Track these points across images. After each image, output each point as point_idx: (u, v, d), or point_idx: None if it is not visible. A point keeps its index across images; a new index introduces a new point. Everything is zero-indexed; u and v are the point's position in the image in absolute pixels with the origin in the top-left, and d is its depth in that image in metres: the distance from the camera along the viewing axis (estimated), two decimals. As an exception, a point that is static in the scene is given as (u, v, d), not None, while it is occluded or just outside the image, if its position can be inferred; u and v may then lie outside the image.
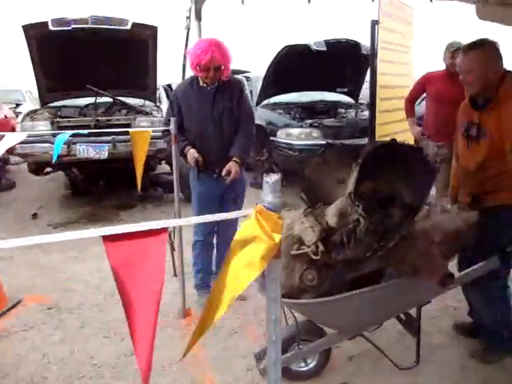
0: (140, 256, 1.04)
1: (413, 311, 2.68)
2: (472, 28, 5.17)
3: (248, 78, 7.91)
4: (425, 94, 5.00)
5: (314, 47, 6.05)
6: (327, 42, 6.11)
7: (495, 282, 2.58)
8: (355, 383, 2.61)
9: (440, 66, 4.62)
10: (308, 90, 7.26)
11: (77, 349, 3.00)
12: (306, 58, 6.16)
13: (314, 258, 2.38)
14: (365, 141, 6.71)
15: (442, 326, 3.06)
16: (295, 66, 6.27)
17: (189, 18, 3.45)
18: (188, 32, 3.53)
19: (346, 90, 7.58)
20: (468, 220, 2.57)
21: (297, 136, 6.22)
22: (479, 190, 2.58)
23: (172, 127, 3.03)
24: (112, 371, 2.78)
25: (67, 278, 4.03)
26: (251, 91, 7.60)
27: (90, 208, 5.93)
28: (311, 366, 2.70)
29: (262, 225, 1.10)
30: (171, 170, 5.93)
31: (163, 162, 6.53)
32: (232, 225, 3.56)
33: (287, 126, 6.39)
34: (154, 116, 5.61)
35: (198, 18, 3.39)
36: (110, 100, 5.87)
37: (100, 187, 6.66)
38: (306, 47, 6.06)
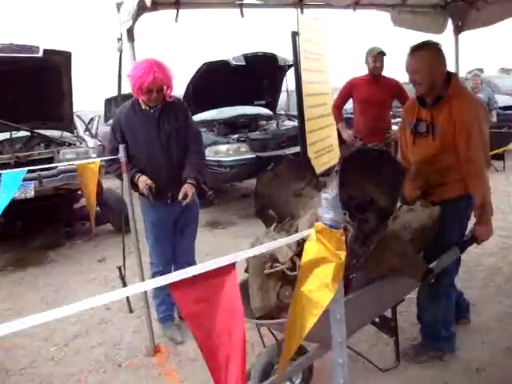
0: (213, 298, 0.90)
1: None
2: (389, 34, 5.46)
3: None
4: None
5: (234, 62, 6.05)
6: (246, 57, 6.14)
7: (443, 279, 2.66)
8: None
9: (363, 70, 4.81)
10: (228, 105, 7.23)
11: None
12: (226, 73, 6.16)
13: (291, 274, 2.35)
14: (293, 150, 6.85)
15: (413, 320, 3.13)
16: (215, 82, 6.23)
17: (120, 39, 3.26)
18: (121, 54, 3.33)
19: (263, 102, 7.67)
20: (431, 215, 2.67)
21: (225, 152, 6.17)
22: (427, 184, 2.69)
23: (121, 155, 2.82)
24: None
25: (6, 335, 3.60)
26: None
27: (13, 252, 5.39)
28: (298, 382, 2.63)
29: (325, 244, 1.02)
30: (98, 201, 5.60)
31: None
32: (189, 253, 3.42)
33: (214, 143, 6.30)
34: (79, 147, 5.23)
35: (131, 38, 3.21)
36: (27, 134, 5.38)
37: (20, 228, 6.08)
38: (226, 63, 6.04)
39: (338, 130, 5.74)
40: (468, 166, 2.52)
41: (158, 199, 3.04)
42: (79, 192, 5.40)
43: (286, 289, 2.38)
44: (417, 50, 2.61)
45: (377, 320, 2.81)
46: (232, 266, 0.94)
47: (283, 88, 7.65)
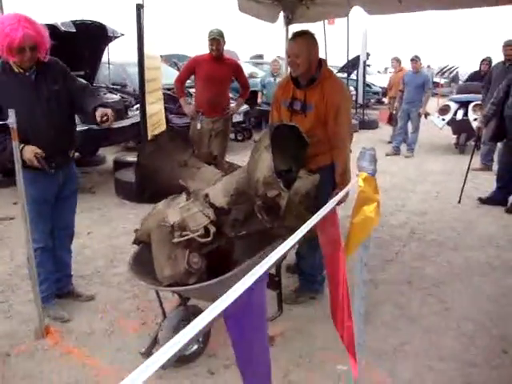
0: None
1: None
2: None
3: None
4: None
5: (62, 28, 5.62)
6: (75, 23, 5.77)
7: None
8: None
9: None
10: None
11: None
12: (52, 38, 5.67)
13: (202, 240, 2.51)
14: (121, 124, 6.74)
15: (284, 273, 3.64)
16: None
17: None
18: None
19: (82, 73, 7.27)
20: (314, 181, 3.15)
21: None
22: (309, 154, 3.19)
23: (11, 120, 2.57)
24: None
25: None
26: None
27: None
28: (196, 346, 2.74)
29: (369, 189, 1.36)
30: None
31: None
32: (69, 227, 3.28)
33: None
34: None
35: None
36: None
37: None
38: (54, 27, 5.57)
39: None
40: (334, 138, 3.02)
41: (40, 171, 2.82)
42: None
43: (194, 255, 2.49)
44: (298, 36, 2.99)
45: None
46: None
47: (104, 60, 7.39)
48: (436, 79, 24.73)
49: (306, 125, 3.01)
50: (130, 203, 5.59)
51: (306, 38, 2.99)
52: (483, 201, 5.56)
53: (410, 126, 8.80)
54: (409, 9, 4.50)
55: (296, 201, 2.88)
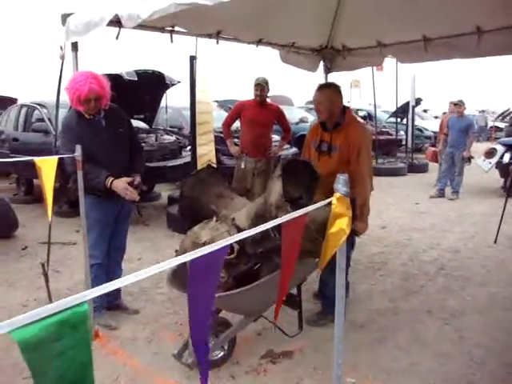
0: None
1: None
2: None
3: (43, 106, 7.62)
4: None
5: (126, 77, 6.38)
6: (137, 72, 6.53)
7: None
8: (275, 349, 3.24)
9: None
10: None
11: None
12: (118, 86, 6.43)
13: (228, 257, 2.93)
14: (174, 162, 7.40)
15: (309, 296, 3.94)
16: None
17: (62, 48, 3.51)
18: (63, 61, 3.57)
19: (142, 116, 8.04)
20: (329, 212, 3.51)
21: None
22: (328, 191, 3.54)
23: (78, 153, 3.13)
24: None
25: None
26: (49, 118, 7.36)
27: None
28: (222, 354, 3.09)
29: (341, 207, 1.71)
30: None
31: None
32: (122, 247, 3.77)
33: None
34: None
35: (75, 48, 3.51)
36: None
37: None
38: (119, 76, 6.34)
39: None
40: (356, 175, 3.38)
41: (106, 196, 3.37)
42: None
43: (221, 270, 2.92)
44: (322, 88, 3.52)
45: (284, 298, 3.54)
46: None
47: (162, 104, 8.16)
48: (496, 123, 24.41)
49: (331, 164, 3.42)
50: (180, 235, 6.08)
51: (328, 89, 3.49)
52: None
53: (455, 169, 8.90)
54: (437, 57, 4.82)
55: (312, 228, 3.23)
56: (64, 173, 3.64)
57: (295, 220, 1.62)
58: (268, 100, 5.76)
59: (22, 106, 8.37)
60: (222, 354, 3.06)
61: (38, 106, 7.79)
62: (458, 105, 8.64)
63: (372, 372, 2.95)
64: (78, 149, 3.14)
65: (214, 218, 3.28)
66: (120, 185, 3.25)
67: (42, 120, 7.51)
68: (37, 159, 3.04)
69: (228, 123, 5.87)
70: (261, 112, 5.56)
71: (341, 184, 1.73)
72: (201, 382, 1.33)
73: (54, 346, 0.84)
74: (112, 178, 3.24)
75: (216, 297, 2.94)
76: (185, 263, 3.12)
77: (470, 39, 4.29)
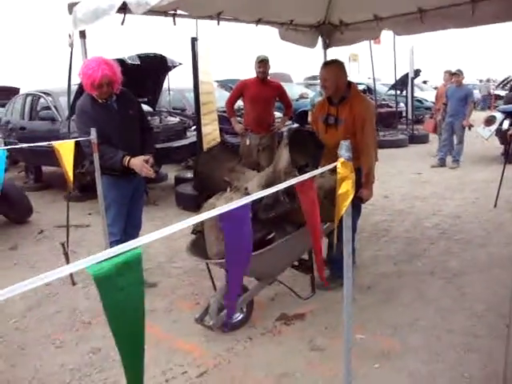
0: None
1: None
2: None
3: (48, 94, 7.76)
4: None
5: (129, 61, 6.49)
6: (139, 56, 6.62)
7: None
8: (287, 312, 3.45)
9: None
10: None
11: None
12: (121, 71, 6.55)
13: None
14: (179, 143, 7.57)
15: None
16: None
17: (71, 36, 3.65)
18: (72, 49, 3.71)
19: (145, 99, 8.17)
20: (336, 179, 3.69)
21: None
22: (336, 160, 3.72)
23: (93, 136, 3.30)
24: None
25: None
26: (55, 106, 7.51)
27: None
28: (241, 316, 3.33)
29: (345, 170, 1.88)
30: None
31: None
32: (138, 223, 3.97)
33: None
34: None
35: (83, 35, 3.65)
36: None
37: None
38: (122, 61, 6.45)
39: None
40: (361, 146, 3.57)
41: (122, 175, 3.55)
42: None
43: None
44: (327, 64, 3.70)
45: (296, 263, 3.75)
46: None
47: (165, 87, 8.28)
48: (497, 91, 24.35)
49: (338, 135, 3.59)
50: (189, 213, 6.28)
51: (333, 65, 3.65)
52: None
53: (455, 138, 9.03)
54: (433, 28, 4.92)
55: (321, 195, 3.42)
56: (74, 158, 3.83)
57: (304, 182, 1.79)
58: (269, 77, 5.88)
59: (27, 95, 8.50)
60: (241, 316, 3.30)
61: (43, 95, 7.93)
62: (457, 74, 8.73)
63: (379, 328, 3.16)
64: (93, 132, 3.31)
65: (228, 189, 3.47)
66: (137, 162, 3.42)
67: (47, 108, 7.66)
68: (55, 143, 3.22)
69: (231, 102, 6.01)
70: (263, 89, 5.69)
71: (344, 150, 1.90)
72: (227, 315, 1.53)
73: (117, 281, 1.03)
74: (129, 157, 3.41)
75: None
76: (203, 234, 3.34)
77: (464, 9, 4.40)
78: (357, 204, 3.75)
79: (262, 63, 5.61)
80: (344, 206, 1.93)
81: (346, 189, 1.90)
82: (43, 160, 8.04)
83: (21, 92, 10.27)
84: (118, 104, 3.59)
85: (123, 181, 3.61)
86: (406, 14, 4.89)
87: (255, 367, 2.82)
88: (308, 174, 1.83)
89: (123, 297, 1.05)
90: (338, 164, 1.90)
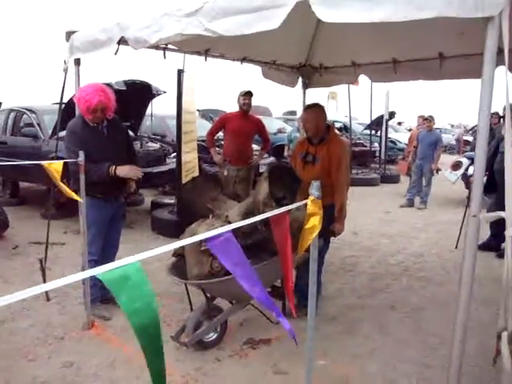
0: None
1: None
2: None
3: (33, 111, 7.88)
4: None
5: (115, 86, 6.71)
6: (126, 82, 6.87)
7: (318, 256, 3.94)
8: (254, 337, 3.61)
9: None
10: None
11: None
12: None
13: None
14: (159, 169, 7.75)
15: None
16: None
17: (66, 62, 3.84)
18: (65, 74, 3.89)
19: (128, 123, 8.36)
20: (308, 214, 3.95)
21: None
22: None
23: (81, 158, 3.47)
24: None
25: None
26: (38, 124, 7.63)
27: None
28: (215, 336, 3.54)
29: (314, 207, 2.11)
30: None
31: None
32: (116, 244, 4.11)
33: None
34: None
35: (77, 63, 3.85)
36: None
37: None
38: (108, 86, 6.65)
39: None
40: (335, 183, 3.83)
41: (104, 198, 3.72)
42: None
43: (216, 261, 3.27)
44: (309, 108, 3.99)
45: (269, 289, 3.94)
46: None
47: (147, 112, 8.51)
48: (465, 137, 25.36)
49: (315, 173, 3.86)
50: (164, 237, 6.42)
51: (314, 109, 3.96)
52: (478, 247, 6.08)
53: (423, 180, 9.46)
54: (405, 78, 5.32)
55: (295, 226, 3.63)
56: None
57: (280, 215, 2.01)
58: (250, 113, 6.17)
59: (11, 110, 8.59)
60: (215, 336, 3.49)
61: (28, 111, 8.04)
62: (428, 120, 9.23)
63: (340, 356, 3.36)
64: (81, 154, 3.49)
65: (210, 216, 3.67)
66: (124, 167, 3.66)
67: (31, 125, 7.76)
68: (45, 163, 3.37)
69: (212, 133, 6.25)
70: (244, 124, 5.96)
71: (314, 189, 2.14)
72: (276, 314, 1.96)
73: (126, 284, 1.25)
74: (114, 166, 3.60)
75: (208, 283, 3.38)
76: (183, 257, 3.51)
77: (433, 63, 4.80)
78: (326, 238, 4.00)
79: (247, 96, 5.89)
80: (309, 240, 2.15)
81: (313, 224, 2.12)
82: (22, 176, 8.10)
83: (2, 107, 10.30)
84: (107, 129, 3.78)
85: (104, 202, 3.78)
86: (381, 63, 5.26)
87: (221, 387, 2.97)
88: (283, 208, 2.04)
89: (133, 293, 1.26)
90: (308, 201, 2.13)
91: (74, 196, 3.44)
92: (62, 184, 3.37)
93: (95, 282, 3.91)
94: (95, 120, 3.68)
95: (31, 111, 7.94)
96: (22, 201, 8.61)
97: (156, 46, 4.34)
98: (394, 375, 3.12)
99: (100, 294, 4.01)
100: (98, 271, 1.22)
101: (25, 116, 8.10)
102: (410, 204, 9.37)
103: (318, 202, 2.13)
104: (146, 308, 1.30)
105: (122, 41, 3.35)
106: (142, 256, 1.38)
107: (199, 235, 1.64)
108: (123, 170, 3.65)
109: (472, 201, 1.93)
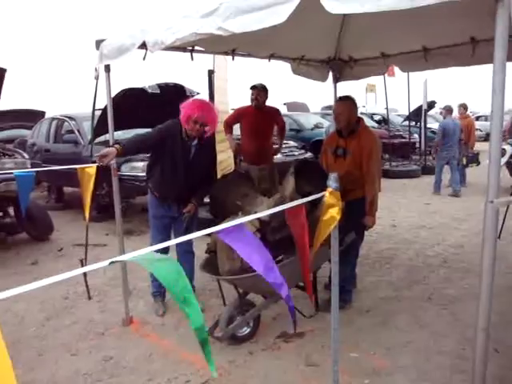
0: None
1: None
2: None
3: (72, 118, 8.20)
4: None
5: (149, 90, 6.88)
6: (160, 86, 7.03)
7: (350, 251, 3.90)
8: (287, 331, 3.64)
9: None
10: (140, 127, 7.96)
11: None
12: (142, 99, 6.94)
13: None
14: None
15: (320, 287, 4.34)
16: (131, 107, 6.96)
17: (97, 69, 3.99)
18: (97, 81, 4.05)
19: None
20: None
21: (141, 168, 6.91)
22: (344, 189, 3.96)
23: (113, 162, 3.60)
24: None
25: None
26: (78, 130, 7.93)
27: None
28: (248, 330, 3.59)
29: (333, 198, 2.12)
30: (15, 211, 6.00)
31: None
32: (189, 251, 4.12)
33: (129, 160, 7.02)
34: (16, 157, 5.62)
35: (107, 69, 4.00)
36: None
37: None
38: (142, 90, 6.85)
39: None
40: (367, 176, 3.80)
41: (164, 201, 3.91)
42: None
43: None
44: (341, 100, 4.00)
45: (300, 284, 3.96)
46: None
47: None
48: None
49: (345, 166, 3.86)
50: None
51: (346, 101, 3.96)
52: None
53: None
54: (435, 66, 5.19)
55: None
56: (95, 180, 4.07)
57: (296, 207, 2.04)
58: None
59: (53, 119, 8.97)
60: (248, 330, 3.55)
61: (68, 119, 8.37)
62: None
63: (373, 348, 3.34)
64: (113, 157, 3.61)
65: (240, 213, 3.73)
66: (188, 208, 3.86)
67: (71, 132, 8.08)
68: (78, 167, 3.52)
69: (229, 123, 6.05)
70: (259, 120, 5.71)
71: (331, 181, 2.15)
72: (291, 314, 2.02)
73: (156, 262, 1.45)
74: (118, 145, 3.51)
75: (235, 278, 3.44)
76: (215, 254, 3.59)
77: (465, 49, 4.66)
78: (359, 232, 3.97)
79: (255, 90, 5.67)
80: (326, 232, 2.15)
81: (331, 215, 2.13)
82: (65, 181, 8.44)
83: (46, 115, 10.78)
84: (196, 148, 3.80)
85: (160, 202, 3.93)
86: (411, 52, 5.16)
87: (254, 379, 3.02)
88: (299, 200, 2.07)
89: (164, 270, 1.44)
90: (327, 193, 2.14)
91: (86, 204, 3.53)
92: (84, 190, 3.49)
93: (154, 277, 4.03)
94: (191, 132, 3.69)
95: (71, 118, 8.27)
96: (67, 205, 8.98)
97: (183, 48, 4.47)
98: (427, 367, 3.07)
99: (155, 290, 4.15)
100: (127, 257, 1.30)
101: (65, 123, 8.45)
102: (454, 194, 9.18)
103: (336, 193, 2.14)
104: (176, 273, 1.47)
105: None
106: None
107: (219, 226, 1.69)
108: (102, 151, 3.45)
109: (489, 186, 1.87)
